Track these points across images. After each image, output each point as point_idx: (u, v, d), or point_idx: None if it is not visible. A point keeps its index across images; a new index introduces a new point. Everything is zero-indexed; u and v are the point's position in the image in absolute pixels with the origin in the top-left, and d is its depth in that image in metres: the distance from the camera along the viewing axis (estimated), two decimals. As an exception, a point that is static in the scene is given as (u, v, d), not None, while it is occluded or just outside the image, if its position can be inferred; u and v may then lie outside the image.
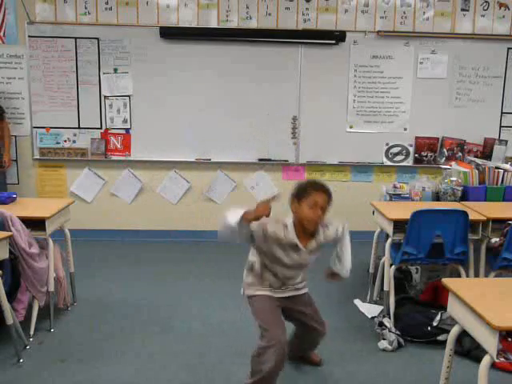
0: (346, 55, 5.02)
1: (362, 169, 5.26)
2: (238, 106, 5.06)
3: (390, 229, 3.29)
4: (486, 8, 5.04)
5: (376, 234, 3.73)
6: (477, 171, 3.92)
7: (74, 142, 5.08)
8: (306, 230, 2.37)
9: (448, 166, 4.11)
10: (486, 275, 3.28)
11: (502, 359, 1.81)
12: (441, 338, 2.99)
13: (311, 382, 2.69)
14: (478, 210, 3.40)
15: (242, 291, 2.55)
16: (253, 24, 4.97)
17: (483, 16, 5.05)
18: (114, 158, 5.11)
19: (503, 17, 5.07)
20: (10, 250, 2.77)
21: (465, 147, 5.15)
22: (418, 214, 3.10)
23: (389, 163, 5.23)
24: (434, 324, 3.06)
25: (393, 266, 3.28)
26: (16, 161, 5.07)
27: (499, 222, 3.24)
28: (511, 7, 5.06)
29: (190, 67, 4.98)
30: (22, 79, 4.94)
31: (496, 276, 3.19)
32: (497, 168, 3.94)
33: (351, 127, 5.15)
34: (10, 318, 2.72)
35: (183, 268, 4.40)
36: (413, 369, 2.81)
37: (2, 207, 3.06)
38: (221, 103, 5.04)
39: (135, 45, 4.93)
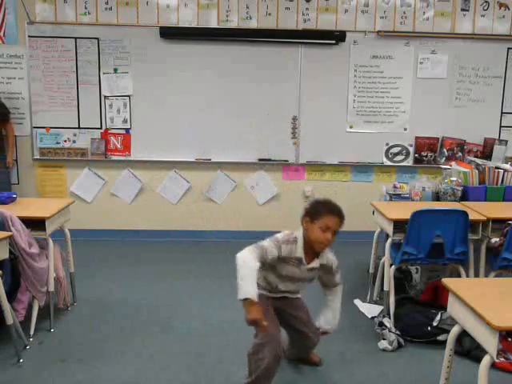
0: (346, 55, 5.02)
1: (362, 169, 5.26)
2: (238, 106, 5.06)
3: (389, 229, 3.29)
4: (486, 8, 5.04)
5: (376, 234, 3.73)
6: (477, 171, 3.92)
7: (74, 142, 5.08)
8: (313, 248, 2.38)
9: (448, 166, 4.11)
10: (486, 275, 3.28)
11: (502, 359, 1.81)
12: (441, 338, 2.99)
13: (311, 382, 2.69)
14: (478, 210, 3.40)
15: None
16: (253, 24, 4.97)
17: (483, 16, 5.05)
18: (114, 158, 5.12)
19: (503, 17, 5.07)
20: (10, 250, 2.77)
21: (465, 147, 5.15)
22: (417, 214, 3.10)
23: (389, 163, 5.23)
24: (434, 324, 3.06)
25: (393, 266, 3.28)
26: (16, 161, 5.07)
27: (499, 222, 3.24)
28: (511, 7, 5.06)
29: (190, 67, 4.98)
30: (22, 79, 4.94)
31: (496, 276, 3.19)
32: (497, 168, 3.94)
33: (351, 127, 5.15)
34: (9, 318, 2.72)
35: (183, 268, 4.40)
36: (413, 369, 2.81)
37: (2, 207, 3.06)
38: (221, 103, 5.05)
39: (135, 45, 4.93)
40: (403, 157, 5.23)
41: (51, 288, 3.17)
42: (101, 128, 5.07)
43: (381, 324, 3.13)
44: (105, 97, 5.02)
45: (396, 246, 3.30)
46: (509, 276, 3.13)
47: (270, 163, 5.18)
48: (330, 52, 5.00)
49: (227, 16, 4.96)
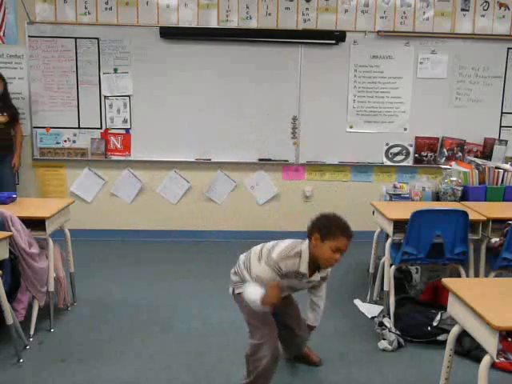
0: (346, 55, 5.02)
1: (362, 169, 5.25)
2: (238, 106, 5.06)
3: (390, 229, 3.29)
4: (485, 8, 5.04)
5: (376, 234, 3.73)
6: (477, 171, 3.92)
7: (74, 142, 5.08)
8: (316, 263, 2.35)
9: (448, 166, 4.11)
10: (486, 275, 3.28)
11: (502, 359, 1.81)
12: (441, 338, 2.99)
13: (311, 382, 2.69)
14: (478, 210, 3.40)
15: (231, 290, 2.53)
16: (253, 24, 4.97)
17: (483, 16, 5.05)
18: (114, 158, 5.11)
19: (503, 17, 5.06)
20: (10, 249, 2.77)
21: (465, 147, 5.15)
22: (417, 214, 3.10)
23: (389, 163, 5.23)
24: (434, 324, 3.06)
25: (393, 266, 3.28)
26: (16, 161, 5.07)
27: (499, 222, 3.24)
28: (511, 7, 5.06)
29: (190, 67, 4.98)
30: (22, 79, 4.94)
31: (496, 276, 3.19)
32: (497, 168, 3.94)
33: (351, 127, 5.15)
34: (9, 318, 2.72)
35: (183, 268, 4.40)
36: (413, 369, 2.81)
37: (2, 207, 3.06)
38: (221, 103, 5.05)
39: (135, 45, 4.93)
40: (403, 157, 5.23)
41: (51, 288, 3.17)
42: (101, 128, 5.07)
43: (381, 324, 3.13)
44: (105, 97, 5.02)
45: (396, 246, 3.30)
46: (509, 276, 3.13)
47: (270, 163, 5.18)
48: (329, 52, 5.00)
49: (227, 16, 4.96)
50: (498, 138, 5.15)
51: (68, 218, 3.51)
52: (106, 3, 4.89)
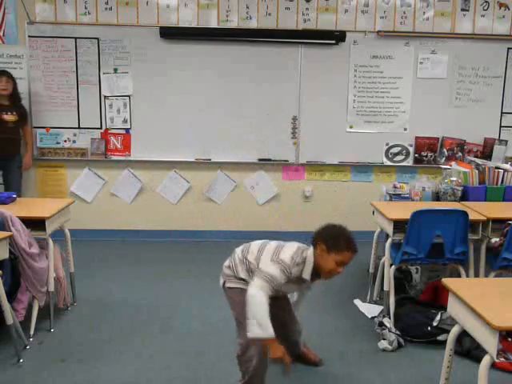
0: (346, 55, 5.02)
1: (362, 169, 5.25)
2: (238, 106, 5.06)
3: (390, 229, 3.29)
4: (485, 8, 5.04)
5: (376, 234, 3.73)
6: (477, 171, 3.92)
7: (74, 142, 5.08)
8: (319, 272, 2.34)
9: (448, 166, 4.11)
10: (486, 275, 3.28)
11: (502, 359, 1.81)
12: (441, 338, 2.99)
13: (311, 382, 2.69)
14: (478, 210, 3.40)
15: (222, 282, 2.50)
16: (253, 24, 4.97)
17: (483, 16, 5.05)
18: (114, 158, 5.11)
19: (503, 17, 5.06)
20: (10, 249, 2.77)
21: (465, 147, 5.15)
22: (417, 214, 3.10)
23: (389, 163, 5.23)
24: (434, 324, 3.06)
25: (393, 266, 3.29)
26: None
27: (499, 222, 3.24)
28: (511, 7, 5.06)
29: (190, 67, 4.98)
30: (22, 79, 4.93)
31: (496, 276, 3.19)
32: (497, 168, 3.94)
33: (351, 127, 5.15)
34: (9, 318, 2.72)
35: (183, 268, 4.40)
36: (413, 369, 2.81)
37: (2, 207, 3.06)
38: (221, 103, 5.04)
39: (135, 45, 4.93)
40: (403, 157, 5.23)
41: (51, 288, 3.18)
42: (101, 128, 5.07)
43: (381, 324, 3.13)
44: (105, 97, 5.02)
45: (396, 246, 3.30)
46: (509, 276, 3.13)
47: (270, 163, 5.18)
48: (329, 52, 5.00)
49: (227, 16, 4.96)
50: (497, 138, 5.15)
51: (68, 218, 3.51)
52: (106, 3, 4.89)
